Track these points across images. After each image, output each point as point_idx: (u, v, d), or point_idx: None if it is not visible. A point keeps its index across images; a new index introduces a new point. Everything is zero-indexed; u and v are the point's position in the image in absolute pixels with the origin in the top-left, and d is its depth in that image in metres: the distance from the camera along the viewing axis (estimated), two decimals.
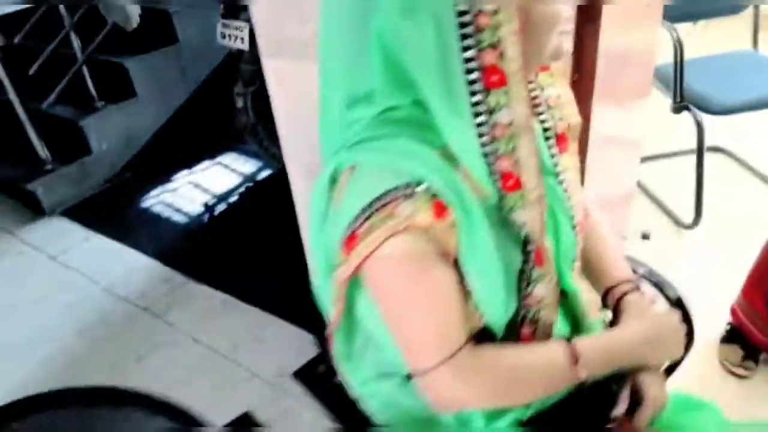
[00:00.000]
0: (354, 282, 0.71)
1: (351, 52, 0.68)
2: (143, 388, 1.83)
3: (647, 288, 1.00)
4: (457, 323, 0.71)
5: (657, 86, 2.11)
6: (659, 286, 1.00)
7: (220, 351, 1.95)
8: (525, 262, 0.74)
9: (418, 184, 0.65)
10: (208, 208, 2.73)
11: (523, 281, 0.75)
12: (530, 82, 0.81)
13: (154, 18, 2.89)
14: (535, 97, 0.81)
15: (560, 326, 0.83)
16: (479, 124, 0.65)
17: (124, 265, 2.43)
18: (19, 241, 2.63)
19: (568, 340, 0.76)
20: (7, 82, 2.61)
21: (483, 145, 0.66)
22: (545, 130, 0.82)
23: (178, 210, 2.74)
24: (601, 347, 0.79)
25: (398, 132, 0.68)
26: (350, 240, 0.67)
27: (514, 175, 0.68)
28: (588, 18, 1.06)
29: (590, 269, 0.93)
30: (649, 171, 2.30)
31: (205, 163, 3.00)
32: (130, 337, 2.07)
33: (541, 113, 0.82)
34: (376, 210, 0.65)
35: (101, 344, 2.06)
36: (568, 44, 0.95)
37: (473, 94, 0.64)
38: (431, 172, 0.65)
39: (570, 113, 0.85)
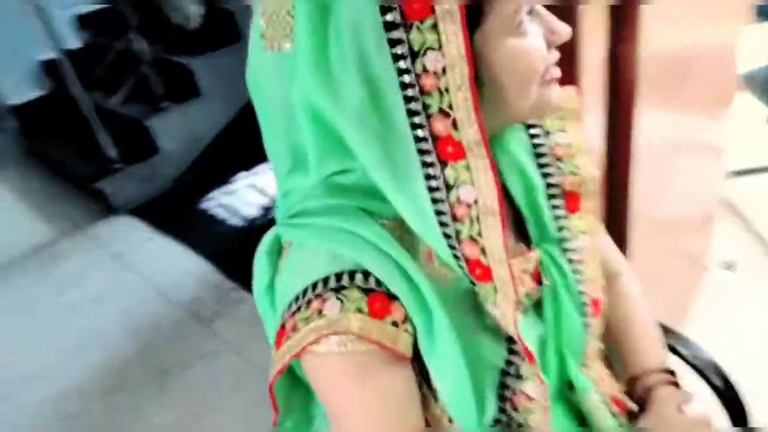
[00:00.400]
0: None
1: (284, 109, 0.56)
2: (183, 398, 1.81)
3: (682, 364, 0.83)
4: None
5: (752, 92, 1.85)
6: (703, 371, 0.83)
7: (261, 366, 1.91)
8: (511, 353, 0.61)
9: (354, 272, 0.54)
10: (265, 211, 2.70)
11: (507, 378, 0.62)
12: (533, 127, 0.68)
13: (218, 17, 2.88)
14: (538, 146, 0.68)
15: (565, 426, 0.69)
16: (435, 201, 0.53)
17: (180, 267, 2.45)
18: (87, 238, 2.72)
19: None
20: (76, 81, 2.68)
21: (442, 224, 0.54)
22: (550, 186, 0.67)
23: (235, 213, 2.73)
24: None
25: (340, 205, 0.56)
26: (280, 333, 0.56)
27: (482, 264, 0.55)
28: (624, 22, 0.88)
29: (616, 349, 0.78)
30: (737, 188, 2.03)
31: (265, 165, 2.98)
32: (177, 345, 2.08)
33: (545, 165, 0.68)
34: (306, 303, 0.54)
35: (149, 350, 2.09)
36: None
37: (426, 165, 0.52)
38: (374, 259, 0.54)
39: (582, 164, 0.69)
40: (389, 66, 0.49)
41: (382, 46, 0.48)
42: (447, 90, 0.49)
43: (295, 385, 0.63)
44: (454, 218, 0.53)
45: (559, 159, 0.68)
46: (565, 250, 0.67)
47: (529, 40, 0.54)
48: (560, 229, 0.68)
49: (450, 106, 0.50)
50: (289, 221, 0.59)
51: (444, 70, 0.49)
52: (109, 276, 2.46)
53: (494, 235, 0.54)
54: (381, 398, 0.57)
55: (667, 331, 0.85)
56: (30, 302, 2.39)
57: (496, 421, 0.62)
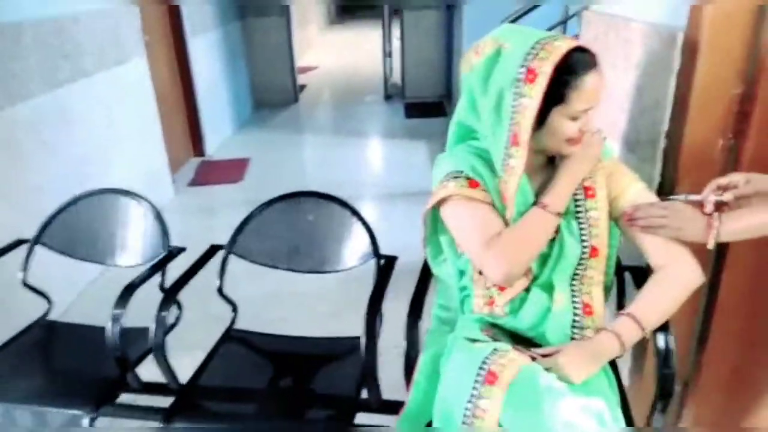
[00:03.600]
0: (435, 214, 1.33)
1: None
2: None
3: None
4: (497, 227, 1.24)
5: None
6: None
7: None
8: None
9: (463, 172, 1.27)
10: None
11: None
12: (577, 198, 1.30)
13: None
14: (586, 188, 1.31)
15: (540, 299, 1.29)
16: (503, 159, 1.22)
17: None
18: None
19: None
20: None
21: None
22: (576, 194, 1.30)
23: None
24: (560, 192, 1.25)
25: (470, 150, 1.31)
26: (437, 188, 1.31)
27: (505, 195, 1.25)
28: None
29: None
30: None
31: None
32: None
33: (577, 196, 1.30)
34: (447, 177, 1.28)
35: None
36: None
37: (506, 146, 1.20)
38: (473, 170, 1.27)
39: (598, 179, 1.31)
40: (509, 98, 1.16)
41: (511, 87, 1.15)
42: (524, 117, 1.15)
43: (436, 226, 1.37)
44: (504, 171, 1.22)
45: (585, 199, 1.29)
46: (576, 218, 1.28)
47: (573, 123, 1.19)
48: (577, 202, 1.29)
49: (520, 122, 1.16)
50: (455, 144, 1.37)
51: (526, 107, 1.14)
52: None
53: (513, 180, 1.21)
54: (480, 213, 1.24)
55: None
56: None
57: None
